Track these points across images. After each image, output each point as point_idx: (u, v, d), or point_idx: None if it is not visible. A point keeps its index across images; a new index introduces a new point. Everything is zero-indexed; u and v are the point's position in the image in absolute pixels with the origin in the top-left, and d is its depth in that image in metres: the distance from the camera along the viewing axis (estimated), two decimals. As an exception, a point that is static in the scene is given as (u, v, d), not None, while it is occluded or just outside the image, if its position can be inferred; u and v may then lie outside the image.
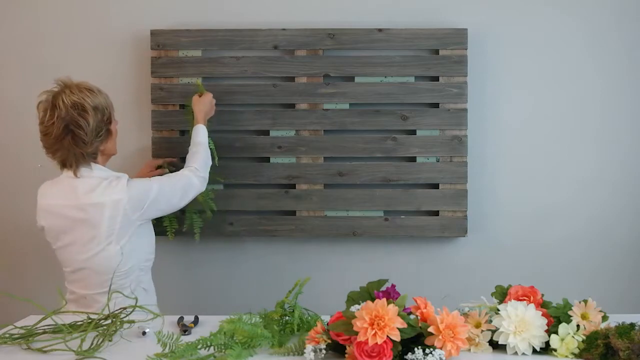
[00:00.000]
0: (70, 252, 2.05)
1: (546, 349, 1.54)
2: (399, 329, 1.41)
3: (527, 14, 2.60)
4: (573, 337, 1.53)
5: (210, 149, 2.36)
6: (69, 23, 2.63)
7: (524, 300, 1.60)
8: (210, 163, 2.32)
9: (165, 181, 2.16)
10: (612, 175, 2.62)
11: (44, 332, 1.66)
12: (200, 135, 2.33)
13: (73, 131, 1.97)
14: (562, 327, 1.54)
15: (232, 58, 2.56)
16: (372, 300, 1.49)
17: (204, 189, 2.26)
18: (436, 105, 2.56)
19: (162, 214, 2.19)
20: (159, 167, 2.50)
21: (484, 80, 2.60)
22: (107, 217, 2.00)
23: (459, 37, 2.54)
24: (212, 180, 2.36)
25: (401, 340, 1.42)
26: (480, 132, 2.61)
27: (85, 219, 2.00)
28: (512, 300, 1.58)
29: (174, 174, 2.23)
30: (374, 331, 1.40)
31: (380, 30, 2.55)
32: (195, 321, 1.81)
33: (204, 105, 2.40)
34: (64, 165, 2.05)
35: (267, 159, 2.58)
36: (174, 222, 2.45)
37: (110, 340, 1.62)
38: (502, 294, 1.67)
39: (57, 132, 1.97)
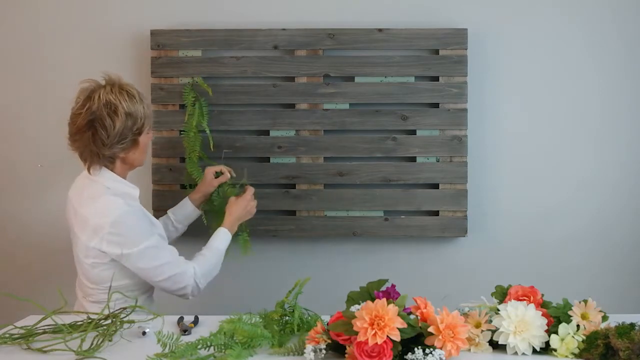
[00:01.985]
0: (74, 248, 2.04)
1: (546, 349, 1.54)
2: (399, 329, 1.41)
3: (527, 14, 2.60)
4: (573, 337, 1.53)
5: (207, 133, 2.38)
6: (69, 23, 2.63)
7: (524, 300, 1.60)
8: (215, 273, 2.10)
9: (161, 251, 1.97)
10: (613, 175, 2.62)
11: (44, 332, 1.66)
12: (219, 240, 2.13)
13: (96, 128, 1.92)
14: (562, 327, 1.54)
15: (232, 58, 2.56)
16: (372, 300, 1.49)
17: (191, 297, 2.04)
18: (436, 105, 2.56)
19: (138, 273, 1.97)
20: (217, 174, 2.34)
21: (484, 80, 2.60)
22: (86, 235, 1.93)
23: (459, 37, 2.54)
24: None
25: (401, 340, 1.42)
26: (480, 132, 2.61)
27: (77, 223, 1.98)
28: (512, 300, 1.59)
29: (183, 260, 2.02)
30: (374, 331, 1.40)
31: (380, 30, 2.55)
32: (195, 321, 1.81)
33: (238, 208, 2.22)
34: (80, 157, 2.00)
35: (267, 159, 2.58)
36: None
37: (110, 340, 1.62)
38: (502, 294, 1.67)
39: (81, 123, 1.92)
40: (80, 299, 2.07)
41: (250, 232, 2.39)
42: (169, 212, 2.34)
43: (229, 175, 2.32)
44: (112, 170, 2.00)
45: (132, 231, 1.93)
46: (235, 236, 2.23)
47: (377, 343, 1.39)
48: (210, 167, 2.35)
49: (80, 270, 2.03)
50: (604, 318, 1.58)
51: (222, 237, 2.14)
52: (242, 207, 2.23)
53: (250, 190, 2.28)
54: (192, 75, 2.56)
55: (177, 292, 2.01)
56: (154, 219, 2.11)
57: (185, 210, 2.32)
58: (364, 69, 2.55)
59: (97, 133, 1.92)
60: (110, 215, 1.91)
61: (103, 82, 1.99)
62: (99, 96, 1.93)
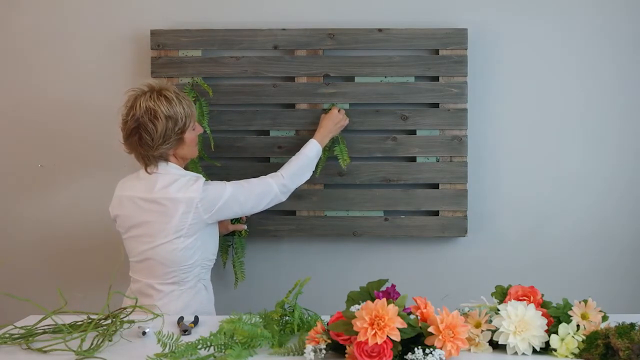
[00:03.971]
0: (138, 242, 2.13)
1: (546, 349, 1.54)
2: (399, 329, 1.41)
3: (527, 14, 2.60)
4: (573, 337, 1.53)
5: (207, 134, 2.44)
6: (69, 23, 2.63)
7: (524, 300, 1.60)
8: (305, 179, 2.33)
9: (241, 186, 2.18)
10: (613, 175, 2.62)
11: (44, 332, 1.66)
12: (308, 148, 2.35)
13: (141, 134, 2.07)
14: (562, 327, 1.54)
15: (232, 58, 2.56)
16: (372, 300, 1.49)
17: (284, 199, 2.27)
18: (436, 105, 2.56)
19: (236, 215, 2.23)
20: (234, 221, 2.50)
21: (484, 80, 2.60)
22: (181, 212, 2.07)
23: (459, 37, 2.54)
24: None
25: (401, 340, 1.42)
26: (480, 132, 2.61)
27: (158, 211, 2.08)
28: (512, 300, 1.59)
29: (255, 179, 2.24)
30: (374, 331, 1.40)
31: (380, 30, 2.55)
32: (195, 321, 1.81)
33: (328, 122, 2.44)
34: (136, 159, 2.16)
35: (267, 159, 2.58)
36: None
37: (110, 340, 1.62)
38: (502, 294, 1.67)
39: (129, 129, 2.09)
40: (148, 287, 2.14)
41: (249, 230, 2.51)
42: None
43: (245, 227, 2.50)
44: (170, 163, 2.16)
45: (215, 188, 2.13)
46: (329, 150, 2.49)
47: (377, 343, 1.39)
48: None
49: (157, 260, 2.10)
50: (604, 318, 1.58)
51: (311, 146, 2.36)
52: (332, 121, 2.44)
53: (336, 108, 2.49)
54: (192, 75, 2.56)
55: (272, 203, 2.25)
56: None
57: None
58: (364, 69, 2.55)
59: (142, 138, 2.08)
60: (196, 187, 2.09)
61: (146, 89, 2.13)
62: (140, 104, 2.09)
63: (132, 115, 2.08)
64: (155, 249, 2.10)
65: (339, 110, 2.48)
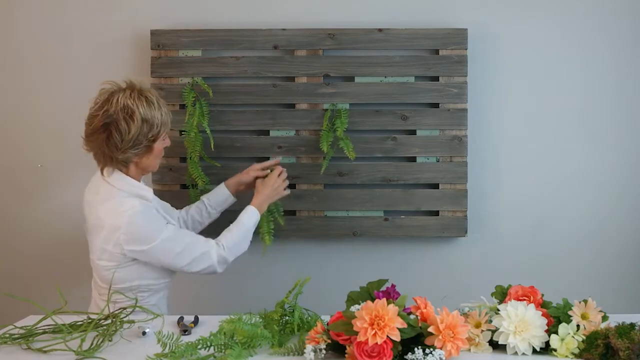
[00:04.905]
0: (89, 247, 2.06)
1: (546, 349, 1.54)
2: (399, 329, 1.41)
3: (527, 14, 2.60)
4: (573, 337, 1.53)
5: (207, 134, 2.40)
6: (69, 23, 2.63)
7: (524, 300, 1.60)
8: (243, 250, 2.14)
9: (181, 239, 2.00)
10: (613, 175, 2.62)
11: (44, 332, 1.66)
12: (246, 216, 2.16)
13: (111, 131, 1.93)
14: (562, 327, 1.54)
15: (232, 58, 2.56)
16: (372, 300, 1.49)
17: (220, 270, 2.06)
18: (436, 105, 2.56)
19: (162, 266, 2.02)
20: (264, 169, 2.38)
21: (484, 80, 2.60)
22: (102, 237, 1.95)
23: (459, 37, 2.54)
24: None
25: (401, 340, 1.42)
26: (480, 132, 2.61)
27: (92, 222, 2.01)
28: (512, 300, 1.59)
29: (201, 238, 2.05)
30: (374, 331, 1.40)
31: (380, 30, 2.55)
32: (195, 321, 1.81)
33: (265, 187, 2.26)
34: (94, 157, 2.01)
35: (267, 159, 2.57)
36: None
37: (110, 340, 1.62)
38: (502, 294, 1.67)
39: (97, 124, 1.94)
40: (96, 298, 2.09)
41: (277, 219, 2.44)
42: (204, 197, 2.35)
43: (267, 171, 2.32)
44: (125, 173, 2.01)
45: (149, 227, 1.95)
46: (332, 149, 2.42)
47: (377, 343, 1.39)
48: (258, 164, 2.37)
49: (94, 270, 2.05)
50: (604, 318, 1.58)
51: (249, 214, 2.18)
52: (269, 186, 2.26)
53: (278, 170, 2.30)
54: (192, 75, 2.56)
55: (205, 271, 2.05)
56: (169, 212, 2.16)
57: (220, 197, 2.33)
58: (364, 69, 2.55)
59: (111, 136, 1.93)
60: (125, 216, 1.92)
61: (124, 86, 2.00)
62: (117, 100, 1.94)
63: (104, 110, 1.92)
64: (93, 262, 2.02)
65: (279, 174, 2.30)
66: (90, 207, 2.02)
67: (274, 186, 2.27)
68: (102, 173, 2.00)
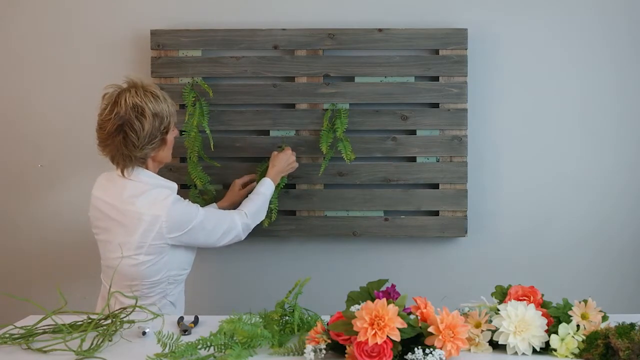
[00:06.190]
0: (105, 249, 2.08)
1: (546, 349, 1.54)
2: (399, 329, 1.41)
3: (527, 14, 2.60)
4: (573, 337, 1.53)
5: (207, 134, 2.43)
6: (69, 23, 2.63)
7: (524, 300, 1.60)
8: (263, 217, 2.31)
9: (211, 216, 2.12)
10: (613, 175, 2.62)
11: (44, 332, 1.66)
12: (264, 186, 2.32)
13: (126, 132, 1.97)
14: (562, 327, 1.54)
15: (232, 58, 2.56)
16: (372, 300, 1.49)
17: (243, 237, 2.22)
18: (436, 105, 2.56)
19: (196, 245, 2.13)
20: (245, 185, 2.48)
21: (484, 80, 2.60)
22: (142, 229, 1.99)
23: (459, 37, 2.54)
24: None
25: (401, 340, 1.42)
26: (480, 132, 2.61)
27: (121, 223, 2.01)
28: (512, 300, 1.58)
29: (224, 211, 2.22)
30: (374, 331, 1.40)
31: (380, 30, 2.55)
32: (195, 321, 1.81)
33: (280, 161, 2.40)
34: (112, 161, 2.06)
35: (267, 159, 2.57)
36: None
37: (110, 340, 1.62)
38: (502, 294, 1.67)
39: (111, 128, 1.98)
40: (118, 296, 2.04)
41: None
42: None
43: (255, 176, 2.47)
44: (145, 169, 2.07)
45: (186, 212, 2.04)
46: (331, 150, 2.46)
47: (377, 343, 1.39)
48: (238, 179, 2.47)
49: (119, 269, 2.01)
50: (604, 318, 1.58)
51: (267, 185, 2.33)
52: (284, 160, 2.41)
53: (289, 149, 2.46)
54: (192, 75, 2.56)
55: (232, 242, 2.19)
56: None
57: None
58: (364, 69, 2.55)
59: (127, 137, 1.98)
60: (165, 204, 2.00)
61: (126, 86, 2.03)
62: (125, 100, 1.98)
63: (115, 113, 1.96)
64: (116, 260, 2.01)
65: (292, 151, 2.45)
66: (113, 207, 2.03)
67: (288, 160, 2.42)
68: (122, 174, 2.03)
